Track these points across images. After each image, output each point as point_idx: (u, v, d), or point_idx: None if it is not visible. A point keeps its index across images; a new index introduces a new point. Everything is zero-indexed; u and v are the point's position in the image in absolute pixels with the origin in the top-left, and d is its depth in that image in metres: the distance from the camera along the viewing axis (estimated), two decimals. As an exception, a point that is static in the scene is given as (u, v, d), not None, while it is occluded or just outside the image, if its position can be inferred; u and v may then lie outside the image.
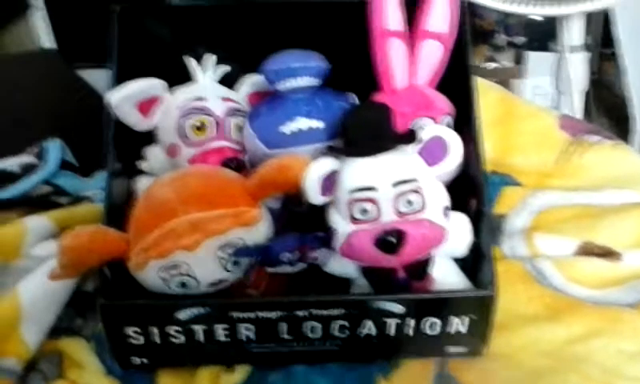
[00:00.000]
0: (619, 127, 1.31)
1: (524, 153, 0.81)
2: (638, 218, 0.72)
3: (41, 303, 0.65)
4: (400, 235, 0.53)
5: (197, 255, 0.54)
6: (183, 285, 0.56)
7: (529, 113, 0.84)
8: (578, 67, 1.10)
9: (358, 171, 0.55)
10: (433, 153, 0.56)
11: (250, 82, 0.68)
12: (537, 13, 1.03)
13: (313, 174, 0.56)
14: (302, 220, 0.61)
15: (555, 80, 1.14)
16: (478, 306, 0.58)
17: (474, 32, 1.52)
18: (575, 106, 1.12)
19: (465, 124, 0.64)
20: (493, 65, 1.56)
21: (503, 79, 1.46)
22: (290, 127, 0.60)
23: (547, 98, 1.42)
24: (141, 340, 0.59)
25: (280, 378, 0.61)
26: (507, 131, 0.82)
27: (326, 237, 0.57)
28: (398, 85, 0.63)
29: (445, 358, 0.62)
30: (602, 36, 1.45)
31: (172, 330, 0.58)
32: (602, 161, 0.80)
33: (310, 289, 0.61)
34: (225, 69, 0.67)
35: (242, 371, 0.62)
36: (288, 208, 0.63)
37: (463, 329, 0.59)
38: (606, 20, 1.37)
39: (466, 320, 0.58)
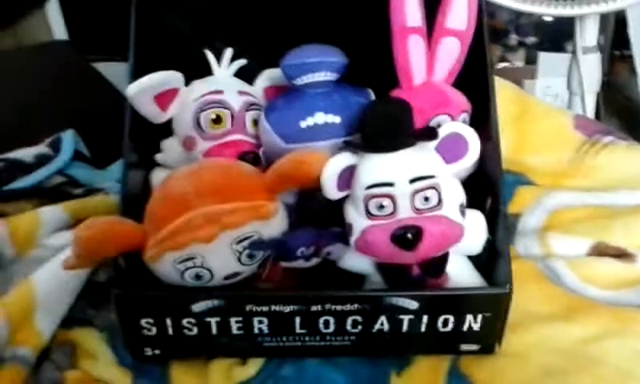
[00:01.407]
0: (629, 129, 1.31)
1: (538, 152, 0.81)
2: (652, 220, 0.72)
3: (55, 293, 0.65)
4: (417, 231, 0.53)
5: (212, 248, 0.54)
6: (198, 277, 0.56)
7: (544, 112, 0.84)
8: (591, 68, 1.10)
9: (376, 167, 0.54)
10: (450, 149, 0.56)
11: (266, 76, 0.68)
12: (552, 13, 1.02)
13: (330, 169, 0.55)
14: (316, 215, 0.61)
15: (568, 80, 1.13)
16: (493, 303, 0.58)
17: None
18: (587, 107, 1.12)
19: (481, 122, 0.63)
20: (504, 64, 1.56)
21: (514, 79, 1.45)
22: (307, 122, 0.60)
23: (558, 98, 1.41)
24: (154, 331, 0.59)
25: (292, 372, 0.61)
26: (522, 130, 0.82)
27: (341, 232, 0.57)
28: (416, 81, 0.63)
29: (457, 355, 0.62)
30: (612, 37, 1.45)
31: (186, 321, 0.59)
32: (616, 161, 0.80)
33: (323, 284, 0.60)
34: (241, 62, 0.67)
35: (254, 364, 0.62)
36: (303, 203, 0.63)
37: (476, 326, 0.59)
38: (618, 21, 1.37)
39: (480, 318, 0.58)
